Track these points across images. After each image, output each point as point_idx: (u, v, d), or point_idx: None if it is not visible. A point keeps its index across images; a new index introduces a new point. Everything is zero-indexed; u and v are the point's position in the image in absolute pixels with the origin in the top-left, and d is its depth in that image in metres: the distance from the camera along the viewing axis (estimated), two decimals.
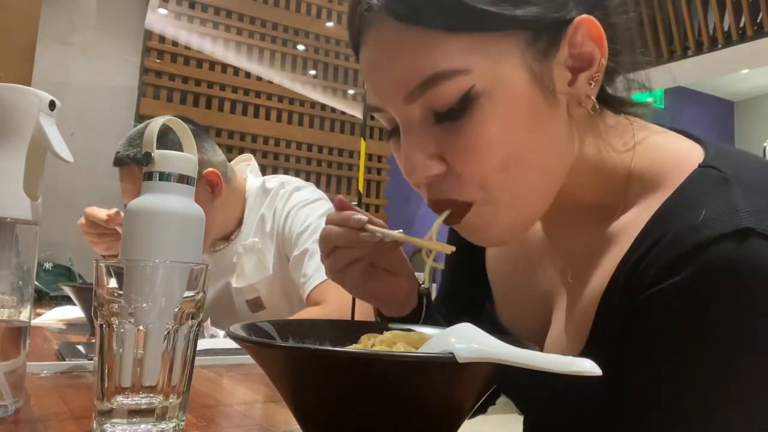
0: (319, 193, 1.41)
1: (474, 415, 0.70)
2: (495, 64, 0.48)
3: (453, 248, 0.57)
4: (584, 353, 0.53)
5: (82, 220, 1.28)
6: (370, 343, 0.51)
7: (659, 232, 0.48)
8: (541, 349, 0.61)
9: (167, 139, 1.22)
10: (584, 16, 0.50)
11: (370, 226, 0.61)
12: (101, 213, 1.25)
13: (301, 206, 1.32)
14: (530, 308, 0.65)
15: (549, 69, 0.50)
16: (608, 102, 0.55)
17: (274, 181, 1.40)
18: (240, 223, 1.37)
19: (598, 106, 0.52)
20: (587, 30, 0.50)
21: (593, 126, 0.55)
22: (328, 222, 0.63)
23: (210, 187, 1.28)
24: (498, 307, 0.71)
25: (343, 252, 0.63)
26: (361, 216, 0.61)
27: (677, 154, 0.53)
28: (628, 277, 0.49)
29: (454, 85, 0.48)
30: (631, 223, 0.52)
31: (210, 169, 1.28)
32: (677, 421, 0.45)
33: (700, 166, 0.50)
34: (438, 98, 0.49)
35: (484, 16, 0.47)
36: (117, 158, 1.25)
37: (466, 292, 0.75)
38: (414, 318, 0.69)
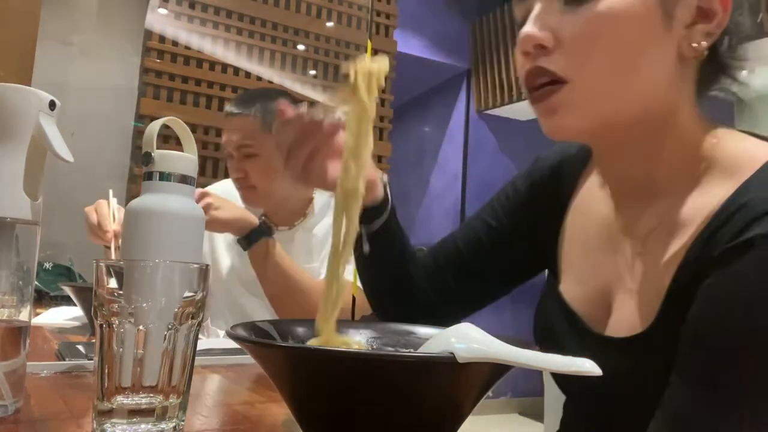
0: None
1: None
2: None
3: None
4: (653, 328, 0.55)
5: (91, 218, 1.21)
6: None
7: (732, 209, 0.51)
8: (606, 323, 0.62)
9: (270, 106, 1.30)
10: None
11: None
12: (107, 224, 1.19)
13: None
14: (595, 283, 0.66)
15: None
16: (715, 60, 0.59)
17: None
18: (305, 213, 1.42)
19: (706, 53, 0.56)
20: None
21: (692, 99, 0.60)
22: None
23: None
24: (562, 279, 0.70)
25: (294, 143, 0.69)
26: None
27: (753, 147, 0.57)
28: (700, 254, 0.52)
29: None
30: (706, 205, 0.55)
31: None
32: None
33: None
34: None
35: None
36: (226, 112, 1.37)
37: (510, 252, 0.78)
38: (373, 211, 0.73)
